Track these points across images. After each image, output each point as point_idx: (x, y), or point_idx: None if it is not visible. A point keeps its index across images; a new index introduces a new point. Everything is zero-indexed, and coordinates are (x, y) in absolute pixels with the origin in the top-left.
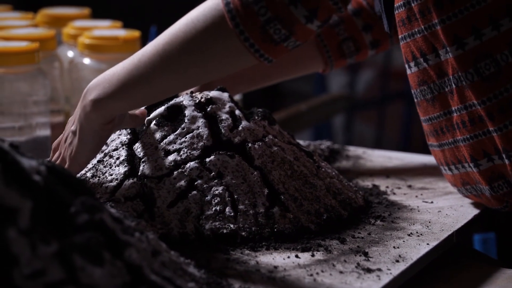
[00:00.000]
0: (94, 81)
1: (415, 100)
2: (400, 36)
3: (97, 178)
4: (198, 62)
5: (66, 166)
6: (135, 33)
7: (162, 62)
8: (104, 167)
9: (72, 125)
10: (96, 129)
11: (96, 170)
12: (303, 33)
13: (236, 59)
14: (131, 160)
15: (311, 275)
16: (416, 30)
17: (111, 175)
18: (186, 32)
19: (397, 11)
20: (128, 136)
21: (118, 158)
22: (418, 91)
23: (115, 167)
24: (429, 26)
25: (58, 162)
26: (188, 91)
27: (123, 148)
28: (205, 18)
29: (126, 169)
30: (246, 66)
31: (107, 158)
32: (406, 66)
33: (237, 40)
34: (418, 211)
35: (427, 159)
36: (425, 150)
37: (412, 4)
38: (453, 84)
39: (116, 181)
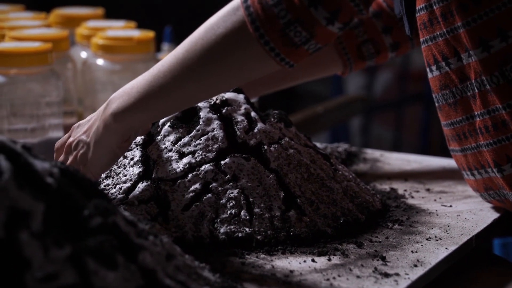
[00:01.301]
0: (115, 94)
1: (436, 104)
2: (421, 39)
3: (111, 178)
4: (219, 69)
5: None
6: (150, 34)
7: (182, 71)
8: (118, 167)
9: (83, 133)
10: (112, 146)
11: (110, 170)
12: (324, 35)
13: (257, 64)
14: (146, 161)
15: (328, 279)
16: (438, 33)
17: (125, 175)
18: (206, 39)
19: (418, 14)
20: (142, 137)
21: (132, 159)
22: (440, 95)
23: (129, 167)
24: (452, 29)
25: None
26: None
27: (137, 149)
28: (225, 23)
29: (140, 170)
30: (267, 72)
31: (121, 158)
32: (428, 69)
33: (257, 44)
34: (437, 215)
35: (446, 162)
36: (444, 153)
37: (434, 7)
38: (475, 89)
39: (130, 182)
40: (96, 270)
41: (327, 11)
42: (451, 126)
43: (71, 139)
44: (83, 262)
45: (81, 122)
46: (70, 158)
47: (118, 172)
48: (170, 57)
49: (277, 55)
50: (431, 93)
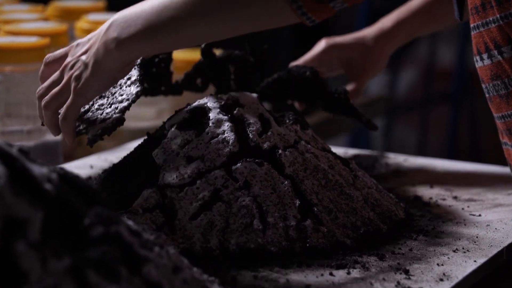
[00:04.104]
0: (118, 17)
1: (487, 95)
2: (471, 25)
3: (106, 98)
4: (237, 13)
5: (69, 98)
6: None
7: (199, 8)
8: (114, 87)
9: (82, 53)
10: (113, 69)
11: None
12: None
13: (277, 15)
14: (143, 80)
15: None
16: (491, 19)
17: (122, 95)
18: None
19: None
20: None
21: (129, 78)
22: (491, 86)
23: (126, 87)
24: (506, 15)
25: (57, 90)
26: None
27: (134, 68)
28: None
29: (138, 89)
30: (284, 24)
31: None
32: (477, 58)
33: None
34: (465, 224)
35: (475, 168)
36: (472, 158)
37: None
38: None
39: (127, 101)
40: (98, 283)
41: None
42: (503, 120)
43: (69, 59)
44: (83, 275)
45: (80, 41)
46: (65, 78)
47: (113, 92)
48: None
49: (299, 8)
50: (455, 93)
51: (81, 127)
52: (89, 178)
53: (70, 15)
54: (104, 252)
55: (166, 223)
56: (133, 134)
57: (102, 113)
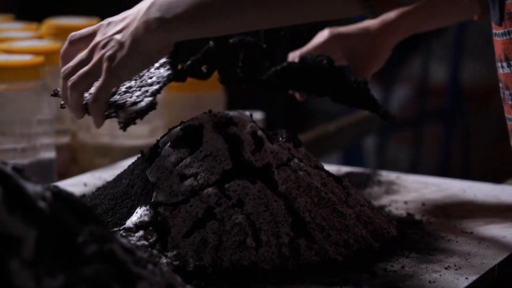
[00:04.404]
0: None
1: (510, 102)
2: (501, 31)
3: (134, 81)
4: (296, 1)
5: (101, 79)
6: None
7: None
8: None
9: (117, 32)
10: (152, 50)
11: None
12: None
13: (339, 5)
14: (174, 63)
15: None
16: None
17: (151, 78)
18: None
19: (508, 1)
20: None
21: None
22: None
23: (155, 69)
24: None
25: (87, 70)
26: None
27: None
28: None
29: (169, 72)
30: (346, 15)
31: None
32: (504, 64)
33: None
34: (457, 242)
35: (467, 185)
36: (465, 176)
37: None
38: None
39: (158, 84)
40: None
41: None
42: None
43: (99, 37)
44: None
45: (112, 19)
46: (96, 57)
47: (141, 74)
48: None
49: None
50: (448, 110)
51: (111, 111)
52: (83, 196)
53: (65, 33)
54: (98, 270)
55: (160, 241)
56: (126, 152)
57: (132, 96)
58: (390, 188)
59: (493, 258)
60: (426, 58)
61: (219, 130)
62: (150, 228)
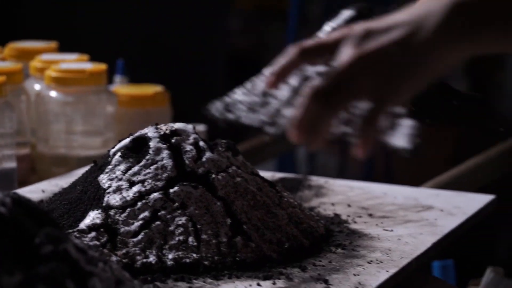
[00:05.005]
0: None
1: None
2: None
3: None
4: None
5: (382, 106)
6: (102, 66)
7: None
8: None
9: (393, 43)
10: (441, 68)
11: None
12: None
13: None
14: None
15: None
16: None
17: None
18: None
19: None
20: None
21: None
22: None
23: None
24: None
25: (367, 92)
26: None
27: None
28: None
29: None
30: None
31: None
32: None
33: None
34: (378, 239)
35: (388, 188)
36: (386, 180)
37: None
38: None
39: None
40: None
41: None
42: None
43: (359, 51)
44: None
45: (371, 27)
46: (366, 75)
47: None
48: None
49: None
50: None
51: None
52: (41, 201)
53: (26, 55)
54: (53, 268)
55: (110, 241)
56: (81, 162)
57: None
58: (319, 191)
59: (411, 253)
60: None
61: (164, 141)
62: (102, 229)
